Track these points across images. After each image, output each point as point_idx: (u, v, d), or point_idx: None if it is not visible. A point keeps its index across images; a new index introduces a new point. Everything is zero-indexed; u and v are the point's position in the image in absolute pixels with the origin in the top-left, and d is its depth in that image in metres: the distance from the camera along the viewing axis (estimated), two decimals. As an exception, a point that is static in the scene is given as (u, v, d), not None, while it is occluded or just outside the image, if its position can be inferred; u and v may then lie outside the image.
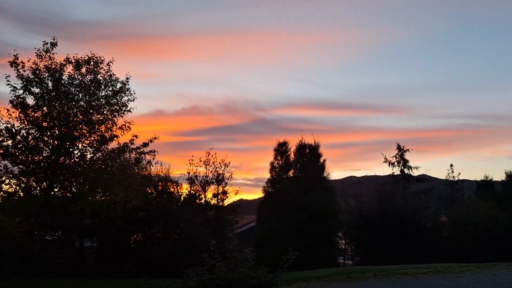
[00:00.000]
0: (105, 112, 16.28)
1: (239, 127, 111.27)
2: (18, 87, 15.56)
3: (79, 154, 16.54)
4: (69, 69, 16.28)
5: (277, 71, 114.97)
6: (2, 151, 15.45)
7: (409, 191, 28.36)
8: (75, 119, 16.04)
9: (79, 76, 16.29)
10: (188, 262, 10.05)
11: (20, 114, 15.64)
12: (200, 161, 20.88)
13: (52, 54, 16.02)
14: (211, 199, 21.46)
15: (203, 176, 20.93)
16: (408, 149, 31.89)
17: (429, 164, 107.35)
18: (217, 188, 20.88)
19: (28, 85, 15.71)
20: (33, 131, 15.81)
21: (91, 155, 16.78)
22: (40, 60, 15.92)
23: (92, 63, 16.44)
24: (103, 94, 16.39)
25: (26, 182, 16.17)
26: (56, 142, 15.95)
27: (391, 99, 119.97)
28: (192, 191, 21.53)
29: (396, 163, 31.57)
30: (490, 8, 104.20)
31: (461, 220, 23.24)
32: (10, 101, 15.55)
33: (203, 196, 20.89)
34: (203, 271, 6.24)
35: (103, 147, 16.78)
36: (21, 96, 15.64)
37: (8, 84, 15.46)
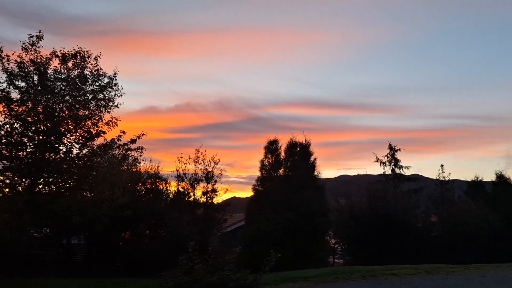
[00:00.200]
0: (91, 107, 15.95)
1: (233, 125, 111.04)
2: (2, 81, 15.21)
3: (65, 150, 16.23)
4: (55, 63, 15.96)
5: (271, 69, 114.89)
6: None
7: (400, 190, 28.33)
8: (61, 114, 15.73)
9: (65, 70, 15.96)
10: (173, 261, 9.87)
11: (4, 109, 15.28)
12: (190, 158, 20.68)
13: (38, 47, 15.68)
14: (200, 197, 21.28)
15: (192, 174, 20.74)
16: (399, 149, 31.91)
17: (421, 164, 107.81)
18: (207, 186, 20.69)
19: (12, 79, 15.35)
20: (17, 126, 15.47)
21: (77, 151, 16.49)
22: (26, 53, 15.57)
23: (79, 57, 16.13)
24: (89, 89, 16.06)
25: (11, 178, 15.86)
26: (41, 137, 15.63)
27: (384, 99, 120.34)
28: (181, 189, 21.31)
29: (387, 163, 31.56)
30: (483, 9, 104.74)
31: (451, 220, 23.25)
32: (-6, 95, 15.19)
33: (192, 194, 20.70)
34: (180, 273, 6.02)
35: (90, 143, 16.50)
36: (5, 90, 15.27)
37: (-8, 78, 15.10)
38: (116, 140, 16.72)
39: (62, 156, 16.21)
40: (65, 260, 20.40)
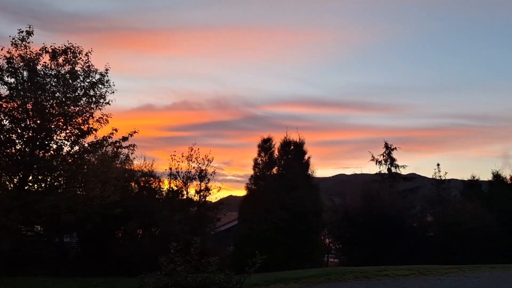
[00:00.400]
0: (82, 104, 15.70)
1: (230, 123, 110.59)
2: (-10, 77, 14.91)
3: (55, 147, 15.97)
4: (45, 59, 15.69)
5: (268, 67, 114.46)
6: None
7: (396, 190, 28.15)
8: (51, 110, 15.46)
9: (55, 67, 15.69)
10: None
11: (-7, 105, 15.00)
12: (183, 156, 20.42)
13: (28, 43, 15.41)
14: (194, 195, 21.03)
15: (185, 172, 20.48)
16: (395, 148, 31.67)
17: (418, 163, 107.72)
18: (200, 184, 20.44)
19: (1, 75, 15.08)
20: (6, 123, 15.21)
21: (68, 148, 16.24)
22: (16, 49, 15.30)
23: (69, 53, 15.86)
24: (80, 85, 15.79)
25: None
26: (30, 134, 15.37)
27: (381, 98, 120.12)
28: (174, 187, 21.07)
29: (383, 162, 31.32)
30: (480, 9, 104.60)
31: (446, 220, 23.08)
32: (-19, 91, 14.91)
33: (185, 192, 20.44)
34: (160, 275, 5.79)
35: (81, 140, 16.25)
36: (-7, 86, 14.99)
37: (-20, 74, 14.81)
38: (107, 137, 16.49)
39: (53, 153, 15.98)
40: (56, 258, 20.19)
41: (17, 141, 15.23)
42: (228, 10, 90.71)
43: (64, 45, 15.78)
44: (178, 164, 20.35)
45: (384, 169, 31.30)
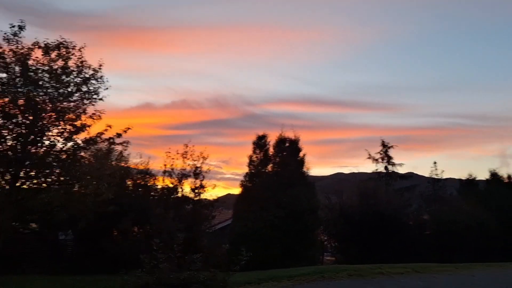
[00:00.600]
0: (74, 99, 15.52)
1: (229, 122, 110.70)
2: (-19, 72, 14.72)
3: (47, 143, 15.79)
4: (37, 54, 15.50)
5: (267, 66, 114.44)
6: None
7: (392, 188, 28.04)
8: (43, 106, 15.28)
9: (48, 62, 15.50)
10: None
11: (-17, 101, 14.80)
12: (178, 153, 20.23)
13: (20, 38, 15.23)
14: (190, 193, 20.86)
15: (180, 169, 20.30)
16: (392, 146, 31.54)
17: (416, 162, 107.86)
18: (195, 181, 20.26)
19: (-8, 70, 14.87)
20: (-3, 119, 15.00)
21: (62, 145, 16.06)
22: (7, 44, 15.11)
23: (62, 48, 15.69)
24: (73, 81, 15.61)
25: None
26: (22, 130, 15.18)
27: (380, 97, 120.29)
28: (170, 185, 20.91)
29: (380, 160, 31.20)
30: (479, 9, 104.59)
31: (442, 218, 22.99)
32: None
33: (180, 189, 20.27)
34: (141, 273, 5.63)
35: (74, 136, 16.09)
36: (-16, 82, 14.78)
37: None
38: (101, 134, 16.33)
39: (45, 150, 15.81)
40: (51, 256, 20.03)
41: (8, 137, 15.05)
42: (228, 8, 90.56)
43: (57, 40, 15.62)
44: (173, 162, 20.19)
45: (381, 168, 31.20)
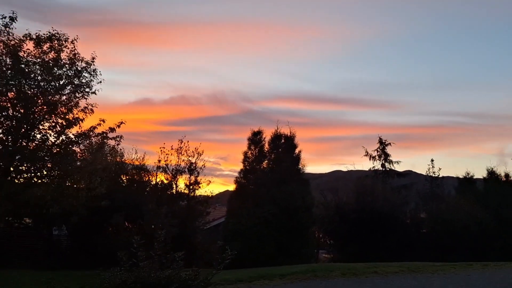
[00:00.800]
0: (66, 92, 15.28)
1: (227, 118, 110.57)
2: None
3: (39, 137, 15.55)
4: (29, 46, 15.24)
5: (266, 63, 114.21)
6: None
7: (390, 186, 27.80)
8: (35, 99, 15.03)
9: (40, 54, 15.24)
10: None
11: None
12: (172, 149, 20.03)
13: (11, 29, 14.95)
14: (184, 189, 20.67)
15: (175, 165, 20.12)
16: (389, 143, 31.26)
17: (414, 160, 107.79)
18: (189, 177, 20.08)
19: (-17, 62, 14.61)
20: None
21: (54, 139, 15.82)
22: (-1, 36, 14.83)
23: (55, 40, 15.44)
24: (65, 73, 15.36)
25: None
26: (13, 123, 14.95)
27: (378, 95, 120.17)
28: (165, 181, 20.72)
29: (377, 157, 30.93)
30: (478, 7, 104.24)
31: (439, 217, 22.79)
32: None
33: (174, 185, 20.09)
34: (119, 271, 5.40)
35: (67, 131, 15.87)
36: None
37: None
38: (93, 128, 16.11)
39: (37, 143, 15.58)
40: (45, 251, 19.83)
41: (-2, 129, 14.82)
42: (227, 5, 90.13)
43: (49, 32, 15.37)
44: (168, 157, 19.98)
45: (378, 165, 30.97)
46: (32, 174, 15.67)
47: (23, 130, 15.02)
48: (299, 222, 17.48)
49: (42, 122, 15.34)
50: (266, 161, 18.74)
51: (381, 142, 31.07)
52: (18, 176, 15.51)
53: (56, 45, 15.42)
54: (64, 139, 15.79)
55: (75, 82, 15.42)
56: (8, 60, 14.85)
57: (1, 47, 14.77)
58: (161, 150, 20.11)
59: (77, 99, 15.51)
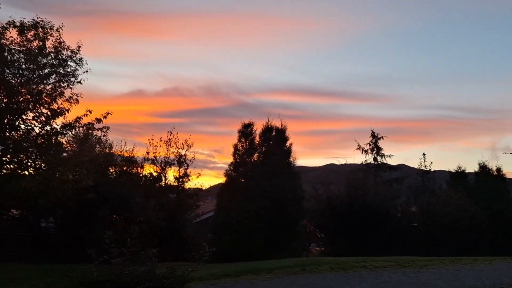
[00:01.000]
0: (51, 81, 14.89)
1: (221, 110, 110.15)
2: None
3: (24, 128, 15.18)
4: (13, 33, 14.80)
5: (260, 55, 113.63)
6: None
7: (382, 179, 27.69)
8: (19, 88, 14.63)
9: (24, 42, 14.82)
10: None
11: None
12: (161, 141, 19.72)
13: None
14: (174, 181, 20.41)
15: (164, 157, 19.82)
16: (382, 137, 31.12)
17: (407, 154, 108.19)
18: (179, 170, 19.81)
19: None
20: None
21: (39, 129, 15.45)
22: (-20, 23, 14.39)
23: (40, 28, 15.01)
24: (50, 62, 14.95)
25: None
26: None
27: (372, 88, 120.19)
28: (153, 173, 20.44)
29: (369, 151, 30.79)
30: (472, 1, 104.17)
31: (430, 210, 22.74)
32: None
33: (163, 178, 19.81)
34: (89, 269, 5.15)
35: (51, 121, 15.49)
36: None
37: None
38: (79, 118, 15.75)
39: (22, 134, 15.20)
40: (31, 244, 19.52)
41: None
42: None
43: (33, 20, 14.94)
44: (156, 149, 19.68)
45: (370, 159, 30.84)
46: (16, 166, 15.31)
47: (6, 120, 14.65)
48: (289, 216, 17.30)
49: (26, 112, 14.96)
50: (256, 154, 18.47)
51: (373, 135, 30.93)
52: (2, 168, 15.13)
53: (41, 33, 15.01)
54: (49, 129, 15.42)
55: (60, 71, 15.01)
56: (-10, 48, 14.43)
57: (-17, 35, 14.34)
58: (149, 142, 19.80)
59: (62, 89, 15.08)
